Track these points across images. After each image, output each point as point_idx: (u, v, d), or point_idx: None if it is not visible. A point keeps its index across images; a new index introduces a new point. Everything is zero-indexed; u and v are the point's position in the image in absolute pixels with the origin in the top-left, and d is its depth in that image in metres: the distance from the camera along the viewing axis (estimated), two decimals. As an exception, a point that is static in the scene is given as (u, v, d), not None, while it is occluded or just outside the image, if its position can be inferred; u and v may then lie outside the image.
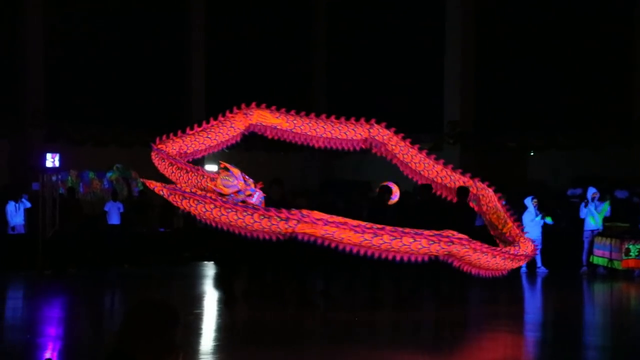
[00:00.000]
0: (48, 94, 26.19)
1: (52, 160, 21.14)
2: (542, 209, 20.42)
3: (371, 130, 14.50)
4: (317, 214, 12.06)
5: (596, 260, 20.06)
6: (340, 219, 12.12)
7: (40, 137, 25.40)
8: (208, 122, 14.20)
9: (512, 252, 13.75)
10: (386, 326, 13.04)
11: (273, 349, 10.93)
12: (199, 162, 17.34)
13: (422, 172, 14.73)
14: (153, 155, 13.58)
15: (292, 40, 31.76)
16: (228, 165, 12.57)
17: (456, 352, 11.41)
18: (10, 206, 21.59)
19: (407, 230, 12.15)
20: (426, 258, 12.25)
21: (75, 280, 19.05)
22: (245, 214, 11.99)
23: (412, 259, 12.13)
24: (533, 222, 20.02)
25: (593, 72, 26.97)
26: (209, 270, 20.72)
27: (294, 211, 12.08)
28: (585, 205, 20.28)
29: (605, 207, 20.38)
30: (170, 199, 12.53)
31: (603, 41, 26.58)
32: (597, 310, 16.17)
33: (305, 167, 31.32)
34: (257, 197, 12.38)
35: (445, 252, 12.41)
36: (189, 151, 13.66)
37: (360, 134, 14.39)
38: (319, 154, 30.64)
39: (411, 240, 12.06)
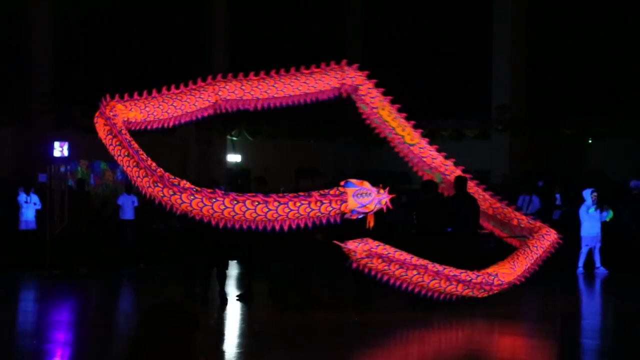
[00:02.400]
0: (56, 76, 26.37)
1: (60, 149, 21.34)
2: (601, 203, 20.27)
3: (220, 93, 14.29)
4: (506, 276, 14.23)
5: (662, 259, 19.88)
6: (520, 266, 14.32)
7: (48, 124, 25.57)
8: None
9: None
10: (420, 326, 13.05)
11: (301, 354, 11.00)
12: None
13: (268, 92, 14.51)
14: (184, 197, 12.12)
15: (327, 17, 31.78)
16: (353, 181, 12.49)
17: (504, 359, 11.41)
18: (22, 197, 21.85)
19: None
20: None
21: (86, 281, 19.22)
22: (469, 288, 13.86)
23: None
24: (590, 216, 19.89)
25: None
26: (232, 269, 20.83)
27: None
28: None
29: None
30: (379, 268, 12.94)
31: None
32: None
33: (338, 157, 31.32)
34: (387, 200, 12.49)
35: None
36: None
37: (208, 100, 14.26)
38: (354, 143, 30.68)
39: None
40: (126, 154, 12.45)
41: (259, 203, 11.92)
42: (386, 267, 13.04)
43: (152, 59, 27.51)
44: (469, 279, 13.83)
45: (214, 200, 11.99)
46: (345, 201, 12.12)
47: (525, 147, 28.78)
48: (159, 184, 12.10)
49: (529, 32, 28.90)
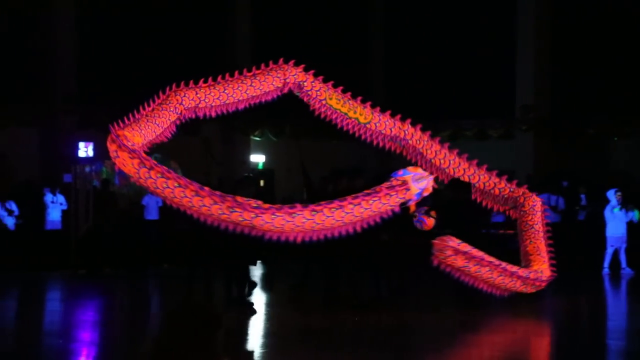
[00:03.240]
0: (80, 76, 26.49)
1: (85, 150, 21.41)
2: (627, 203, 20.14)
3: (183, 102, 14.05)
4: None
5: (689, 260, 19.73)
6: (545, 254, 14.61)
7: (72, 124, 25.70)
8: None
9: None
10: (449, 328, 13.03)
11: (322, 355, 10.99)
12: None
13: (220, 99, 14.29)
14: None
15: (348, 12, 31.76)
16: (408, 168, 12.73)
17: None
18: (48, 197, 21.97)
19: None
20: None
21: (111, 281, 19.31)
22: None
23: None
24: (615, 217, 19.77)
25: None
26: (256, 269, 20.86)
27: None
28: None
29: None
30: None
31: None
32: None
33: (361, 157, 31.26)
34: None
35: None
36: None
37: (175, 112, 14.02)
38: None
39: None
40: (176, 185, 11.71)
41: (337, 208, 11.85)
42: (466, 264, 13.26)
43: (176, 60, 27.58)
44: (525, 275, 14.15)
45: (295, 215, 11.72)
46: (409, 189, 12.29)
47: (549, 147, 28.65)
48: (237, 209, 11.60)
49: (553, 31, 28.76)
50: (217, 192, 11.84)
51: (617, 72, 27.51)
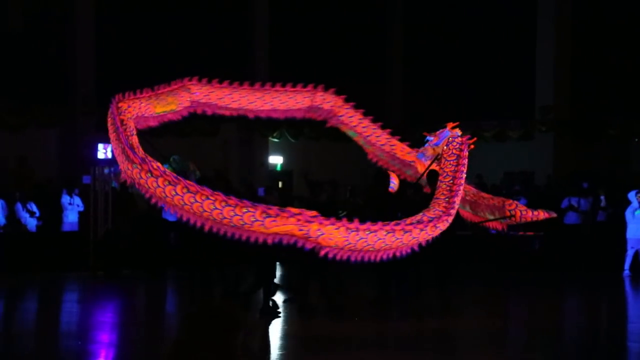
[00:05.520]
0: (100, 78, 26.60)
1: (104, 151, 21.45)
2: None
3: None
4: None
5: None
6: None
7: (92, 126, 25.80)
8: None
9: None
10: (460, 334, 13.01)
11: (341, 358, 11.00)
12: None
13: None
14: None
15: (366, 13, 31.78)
16: (449, 128, 12.73)
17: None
18: (65, 199, 22.05)
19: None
20: None
21: (130, 282, 19.38)
22: None
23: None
24: (636, 219, 19.69)
25: None
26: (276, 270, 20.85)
27: None
28: None
29: None
30: None
31: None
32: None
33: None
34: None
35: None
36: None
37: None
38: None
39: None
40: (368, 232, 10.15)
41: (454, 197, 11.36)
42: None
43: (195, 61, 27.64)
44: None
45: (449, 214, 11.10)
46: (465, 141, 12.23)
47: (569, 148, 28.56)
48: (415, 233, 10.50)
49: (573, 31, 28.67)
50: (389, 225, 10.28)
51: (637, 72, 27.38)
